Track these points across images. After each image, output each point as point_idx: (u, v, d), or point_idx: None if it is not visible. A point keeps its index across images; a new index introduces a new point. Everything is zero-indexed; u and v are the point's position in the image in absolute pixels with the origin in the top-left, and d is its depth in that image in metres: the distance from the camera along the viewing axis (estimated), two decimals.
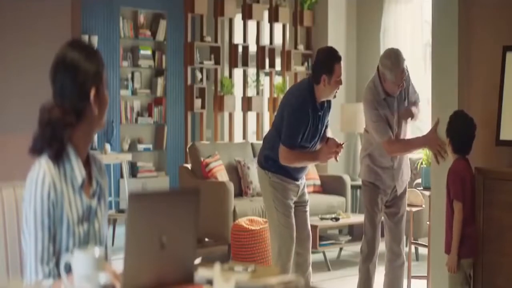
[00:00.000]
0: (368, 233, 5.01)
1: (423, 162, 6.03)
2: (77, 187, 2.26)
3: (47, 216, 2.19)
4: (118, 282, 2.00)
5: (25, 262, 2.23)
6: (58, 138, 2.23)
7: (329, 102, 4.87)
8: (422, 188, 5.41)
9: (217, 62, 8.70)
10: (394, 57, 4.79)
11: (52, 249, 2.20)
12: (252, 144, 7.94)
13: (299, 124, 4.70)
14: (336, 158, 4.81)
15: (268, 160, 4.87)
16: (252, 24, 9.00)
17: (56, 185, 2.21)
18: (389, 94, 4.90)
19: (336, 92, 4.78)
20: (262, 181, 4.96)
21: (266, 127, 9.33)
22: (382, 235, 5.12)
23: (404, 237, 5.18)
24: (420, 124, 8.20)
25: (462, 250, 4.35)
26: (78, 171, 2.27)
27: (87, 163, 2.34)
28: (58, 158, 2.24)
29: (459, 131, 4.43)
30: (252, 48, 9.04)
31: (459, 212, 4.33)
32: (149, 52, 9.87)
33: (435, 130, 4.70)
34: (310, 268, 5.03)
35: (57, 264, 2.20)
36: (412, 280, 5.68)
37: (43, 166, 2.21)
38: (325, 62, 4.72)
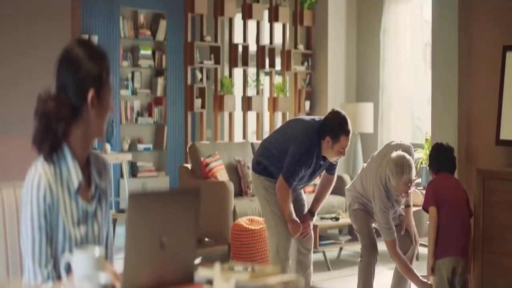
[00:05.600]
0: (364, 235, 5.04)
1: (423, 162, 6.04)
2: (73, 190, 2.24)
3: (43, 219, 2.18)
4: (118, 282, 2.00)
5: (24, 264, 2.23)
6: (53, 131, 2.20)
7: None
8: (422, 188, 5.41)
9: (217, 61, 8.69)
10: (399, 168, 4.73)
11: (50, 251, 2.19)
12: (252, 144, 7.93)
13: (302, 164, 4.77)
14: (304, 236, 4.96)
15: (259, 164, 4.98)
16: (252, 24, 9.00)
17: (52, 188, 2.19)
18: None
19: (338, 159, 4.84)
20: (255, 184, 5.07)
21: (266, 127, 9.32)
22: (378, 235, 5.14)
23: (415, 233, 5.16)
24: (419, 123, 8.21)
25: (442, 250, 4.41)
26: (75, 175, 2.24)
27: (87, 164, 2.32)
28: (52, 153, 2.21)
29: (434, 162, 4.65)
30: (252, 48, 9.04)
31: (432, 217, 4.45)
32: (149, 52, 9.87)
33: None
34: (312, 268, 5.06)
35: (55, 267, 2.19)
36: None
37: (38, 169, 2.20)
38: (333, 129, 4.75)
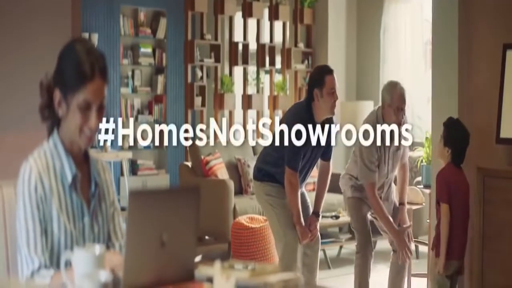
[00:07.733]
0: (360, 232, 5.03)
1: (423, 160, 6.04)
2: (67, 184, 2.25)
3: (36, 209, 2.19)
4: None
5: (19, 258, 2.22)
6: (51, 109, 2.26)
7: (329, 132, 4.87)
8: (422, 186, 5.41)
9: (217, 60, 8.70)
10: (391, 84, 4.82)
11: (45, 242, 2.19)
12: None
13: (299, 147, 4.70)
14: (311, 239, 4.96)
15: (260, 171, 4.97)
16: (252, 22, 9.00)
17: (44, 180, 2.21)
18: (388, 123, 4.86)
19: (333, 107, 4.70)
20: (257, 193, 5.04)
21: (266, 126, 9.31)
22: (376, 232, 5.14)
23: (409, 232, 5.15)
24: (420, 122, 8.20)
25: (450, 252, 4.33)
26: (68, 168, 2.25)
27: (86, 162, 2.33)
28: (52, 123, 2.26)
29: (457, 142, 4.36)
30: (252, 46, 9.04)
31: (445, 214, 4.29)
32: (149, 50, 9.87)
33: (405, 232, 4.85)
34: (317, 271, 5.07)
35: (51, 259, 2.20)
36: (412, 278, 5.67)
37: (29, 162, 2.23)
38: (315, 76, 4.74)
